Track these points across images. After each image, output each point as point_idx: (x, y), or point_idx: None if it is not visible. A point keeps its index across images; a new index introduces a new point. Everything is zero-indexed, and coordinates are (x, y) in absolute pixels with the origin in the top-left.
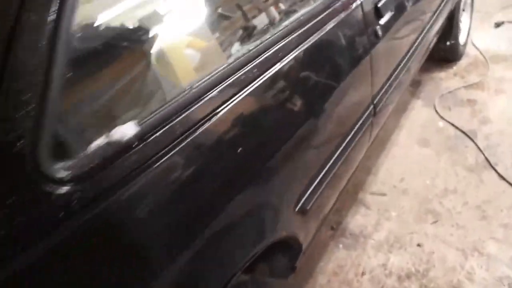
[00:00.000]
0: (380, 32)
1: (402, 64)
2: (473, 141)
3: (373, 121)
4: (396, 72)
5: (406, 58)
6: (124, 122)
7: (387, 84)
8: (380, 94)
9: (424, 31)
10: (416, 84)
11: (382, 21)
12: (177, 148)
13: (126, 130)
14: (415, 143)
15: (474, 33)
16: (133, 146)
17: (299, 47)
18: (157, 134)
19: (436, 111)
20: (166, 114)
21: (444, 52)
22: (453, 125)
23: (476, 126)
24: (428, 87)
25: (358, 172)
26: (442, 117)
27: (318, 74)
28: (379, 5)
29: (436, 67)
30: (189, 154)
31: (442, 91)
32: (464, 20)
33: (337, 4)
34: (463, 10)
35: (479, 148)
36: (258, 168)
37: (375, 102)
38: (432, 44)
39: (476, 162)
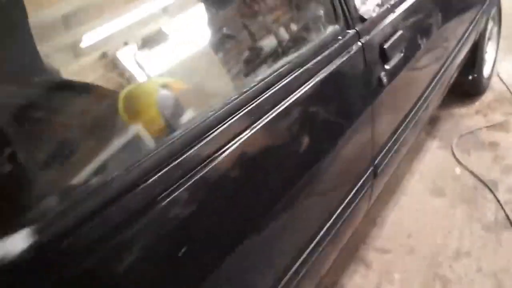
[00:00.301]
0: (385, 79)
1: (412, 113)
2: (493, 193)
3: (373, 184)
4: (404, 123)
5: (418, 105)
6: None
7: (393, 139)
8: (383, 153)
9: (442, 70)
10: (433, 121)
11: (389, 65)
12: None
13: (13, 243)
14: (428, 192)
15: (500, 64)
16: (25, 266)
17: (282, 102)
18: (69, 240)
19: (453, 154)
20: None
21: (466, 86)
22: (471, 172)
23: (498, 176)
24: (447, 125)
25: (362, 223)
26: (459, 162)
27: (304, 134)
28: (386, 46)
29: (457, 102)
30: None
31: (462, 131)
32: (489, 50)
33: (331, 49)
34: (489, 39)
35: (499, 202)
36: (211, 262)
37: (376, 162)
38: (452, 80)
39: (495, 219)
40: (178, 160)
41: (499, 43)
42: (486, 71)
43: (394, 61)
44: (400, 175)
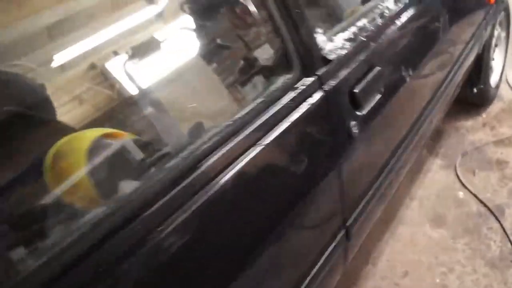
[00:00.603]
0: (355, 130)
1: (394, 159)
2: (499, 222)
3: (347, 247)
4: (384, 173)
5: (402, 146)
6: None
7: (369, 193)
8: (357, 212)
9: (436, 97)
10: (436, 136)
11: (362, 111)
12: None
13: None
14: (427, 221)
15: (509, 71)
16: None
17: (230, 166)
18: None
19: (457, 175)
20: None
21: (471, 99)
22: (476, 197)
23: (505, 200)
24: (450, 140)
25: (354, 259)
26: (463, 184)
27: (259, 199)
28: (357, 90)
29: (462, 113)
30: None
31: (467, 146)
32: (497, 58)
33: (284, 101)
34: (496, 45)
35: (506, 232)
36: None
37: (348, 224)
38: (451, 100)
39: (501, 253)
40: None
41: (508, 48)
42: (493, 80)
43: (369, 105)
44: (398, 200)
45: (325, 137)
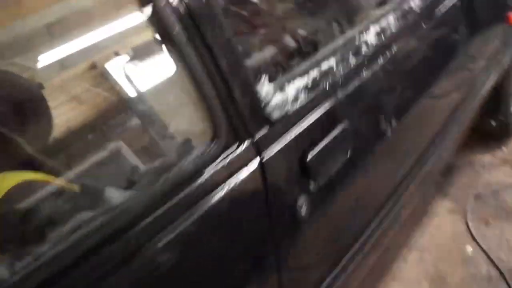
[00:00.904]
0: (304, 209)
1: (364, 238)
2: None
3: None
4: (346, 258)
5: (377, 220)
6: None
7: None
8: None
9: (437, 141)
10: (447, 172)
11: (316, 184)
12: None
13: None
14: (425, 280)
15: None
16: None
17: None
18: None
19: (467, 224)
20: None
21: (490, 131)
22: (487, 254)
23: None
24: (463, 178)
25: None
26: (473, 237)
27: None
28: (309, 157)
29: (479, 145)
30: None
31: (481, 188)
32: None
33: (202, 179)
34: None
35: None
36: None
37: None
38: (464, 135)
39: None
40: None
41: None
42: None
43: (327, 174)
44: (394, 249)
45: (259, 222)
